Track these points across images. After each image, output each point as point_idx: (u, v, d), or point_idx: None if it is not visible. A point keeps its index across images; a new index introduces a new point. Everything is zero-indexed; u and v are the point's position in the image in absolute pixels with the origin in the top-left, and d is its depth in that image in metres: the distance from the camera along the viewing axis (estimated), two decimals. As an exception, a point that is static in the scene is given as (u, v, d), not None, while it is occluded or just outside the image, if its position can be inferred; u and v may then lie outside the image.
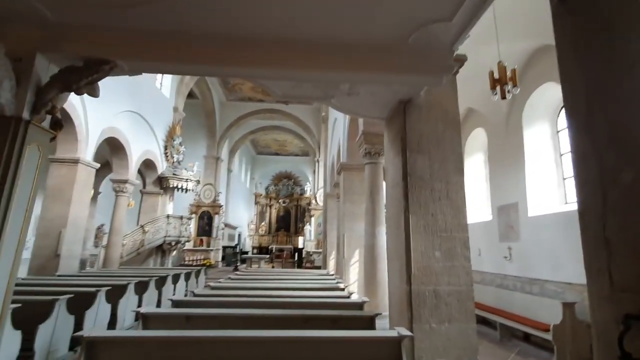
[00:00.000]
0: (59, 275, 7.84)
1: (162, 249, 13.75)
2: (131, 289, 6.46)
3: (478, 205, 8.74)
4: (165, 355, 2.92)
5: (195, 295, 5.41)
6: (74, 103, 8.84)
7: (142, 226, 13.07)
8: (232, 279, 8.26)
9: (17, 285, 6.15)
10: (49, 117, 3.06)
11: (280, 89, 3.93)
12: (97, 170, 14.15)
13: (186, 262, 16.52)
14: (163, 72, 3.40)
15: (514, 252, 6.96)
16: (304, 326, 3.76)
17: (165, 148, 14.33)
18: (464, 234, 3.87)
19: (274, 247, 24.87)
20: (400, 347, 2.92)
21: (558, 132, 6.73)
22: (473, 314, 3.71)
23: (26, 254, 9.37)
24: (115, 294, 6.04)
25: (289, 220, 29.37)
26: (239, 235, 28.58)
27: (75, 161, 8.96)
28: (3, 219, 2.61)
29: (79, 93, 3.04)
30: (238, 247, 25.94)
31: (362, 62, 3.06)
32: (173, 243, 13.75)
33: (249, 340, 2.86)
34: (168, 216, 13.67)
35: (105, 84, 9.61)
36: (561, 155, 6.62)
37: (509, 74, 3.20)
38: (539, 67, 6.63)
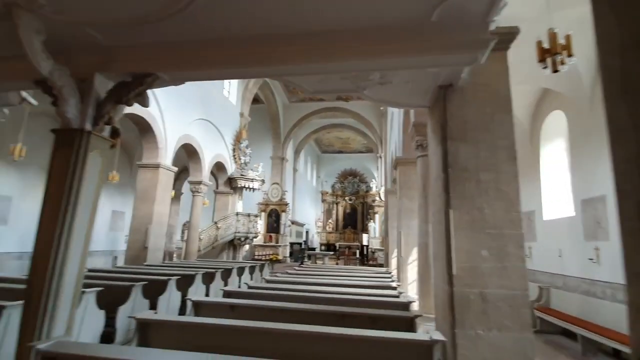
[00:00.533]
0: (146, 265, 9.05)
1: (233, 244, 14.90)
2: (199, 278, 7.13)
3: (558, 200, 7.62)
4: (205, 339, 3.16)
5: (250, 288, 5.74)
6: (154, 115, 10.07)
7: (215, 223, 14.34)
8: (290, 274, 8.56)
9: (108, 272, 7.29)
10: (108, 127, 3.53)
11: (310, 85, 3.93)
12: (179, 174, 16.00)
13: (256, 257, 17.63)
14: (200, 79, 3.64)
15: (603, 253, 5.89)
16: (339, 323, 3.72)
17: (234, 151, 15.46)
18: (517, 231, 3.41)
19: (341, 244, 25.09)
20: (431, 352, 2.70)
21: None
22: (529, 322, 3.25)
23: (124, 247, 11.00)
24: (185, 283, 6.72)
25: (356, 218, 29.36)
26: (307, 232, 29.45)
27: (157, 166, 10.21)
28: (72, 215, 3.09)
29: (129, 104, 3.45)
30: (306, 243, 26.76)
31: (384, 47, 2.89)
32: (242, 238, 14.78)
33: (273, 332, 2.93)
34: (237, 214, 14.74)
35: (180, 96, 10.78)
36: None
37: (562, 41, 2.66)
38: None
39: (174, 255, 15.71)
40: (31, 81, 3.21)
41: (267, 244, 19.12)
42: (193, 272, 7.09)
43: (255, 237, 15.96)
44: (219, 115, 14.27)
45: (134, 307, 5.23)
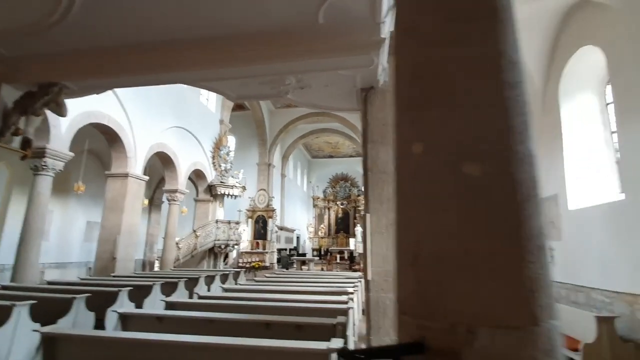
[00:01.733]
0: (113, 276, 8.93)
1: (213, 252, 14.77)
2: (157, 289, 7.02)
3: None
4: (111, 355, 3.07)
5: (200, 298, 5.66)
6: (122, 124, 10.03)
7: (194, 231, 14.22)
8: (257, 282, 8.46)
9: (62, 284, 7.18)
10: (18, 138, 3.47)
11: (232, 90, 3.90)
12: (158, 183, 15.94)
13: (240, 264, 17.48)
14: (109, 87, 3.59)
15: (557, 253, 5.82)
16: (265, 333, 3.64)
17: (213, 158, 15.40)
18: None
19: (333, 249, 24.96)
20: (327, 362, 2.62)
21: (607, 104, 5.46)
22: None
23: (92, 258, 10.88)
24: (142, 294, 6.62)
25: (348, 222, 29.21)
26: (298, 238, 29.30)
27: (125, 175, 10.14)
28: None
29: (37, 114, 3.41)
30: (297, 249, 26.60)
31: (281, 50, 2.85)
32: (222, 246, 14.67)
33: (171, 345, 2.85)
34: (217, 221, 14.64)
35: (150, 104, 10.70)
36: (612, 133, 5.35)
37: None
38: (575, 27, 5.49)
39: (155, 264, 15.57)
40: None
41: (254, 250, 18.98)
42: (151, 283, 6.99)
43: (236, 244, 15.84)
44: (197, 122, 14.24)
45: (75, 322, 5.13)
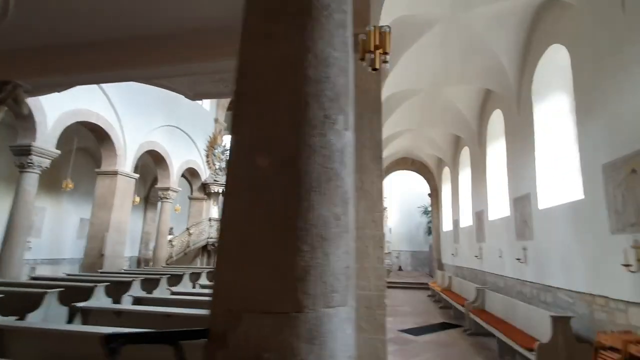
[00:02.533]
0: (101, 272, 9.08)
1: (207, 250, 14.90)
2: (136, 285, 7.12)
3: (498, 200, 7.52)
4: (58, 347, 3.14)
5: (173, 294, 5.74)
6: (111, 122, 10.17)
7: (187, 229, 14.37)
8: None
9: (41, 279, 7.32)
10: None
11: (188, 89, 3.96)
12: (154, 181, 16.11)
13: (235, 262, 17.60)
14: (64, 86, 3.66)
15: (530, 252, 5.78)
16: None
17: (207, 157, 15.52)
18: (377, 231, 3.36)
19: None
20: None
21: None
22: (384, 323, 3.18)
23: (80, 254, 11.06)
24: (119, 290, 6.72)
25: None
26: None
27: (115, 173, 10.29)
28: None
29: (-8, 112, 3.49)
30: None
31: (216, 50, 2.90)
32: (215, 244, 14.79)
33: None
34: (210, 219, 14.76)
35: (139, 102, 10.77)
36: (582, 132, 5.28)
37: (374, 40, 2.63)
38: (544, 25, 5.44)
39: (149, 262, 15.74)
40: None
41: (250, 249, 19.07)
42: (130, 279, 7.09)
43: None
44: (190, 121, 14.35)
45: (47, 316, 5.24)
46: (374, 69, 2.61)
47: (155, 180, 15.72)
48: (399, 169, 15.47)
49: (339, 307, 0.95)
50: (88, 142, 11.19)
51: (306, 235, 0.93)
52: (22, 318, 4.92)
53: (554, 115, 5.41)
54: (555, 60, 5.20)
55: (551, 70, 5.35)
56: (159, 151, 12.47)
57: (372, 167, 3.50)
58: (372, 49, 2.61)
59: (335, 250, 0.97)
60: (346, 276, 1.00)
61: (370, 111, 3.64)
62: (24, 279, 8.13)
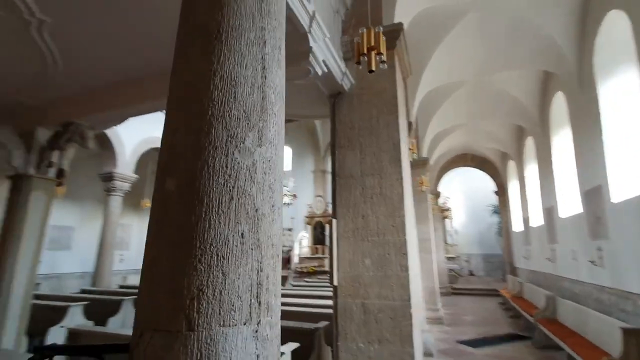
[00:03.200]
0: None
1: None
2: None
3: (569, 194, 6.58)
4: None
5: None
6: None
7: (250, 239, 15.25)
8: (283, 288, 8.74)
9: (128, 288, 8.34)
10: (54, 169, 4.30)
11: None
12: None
13: (298, 269, 18.12)
14: (114, 122, 4.23)
15: (605, 253, 4.94)
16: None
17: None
18: (399, 237, 3.19)
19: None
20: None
21: (656, 74, 4.49)
22: (410, 335, 2.99)
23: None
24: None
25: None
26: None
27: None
28: (18, 246, 3.85)
29: (62, 149, 4.19)
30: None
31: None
32: (276, 252, 15.42)
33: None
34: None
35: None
36: (665, 107, 4.38)
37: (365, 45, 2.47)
38: None
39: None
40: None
41: (313, 255, 19.52)
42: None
43: (290, 250, 16.47)
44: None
45: (125, 321, 6.00)
46: (371, 71, 2.52)
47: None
48: (457, 166, 14.43)
49: (240, 325, 0.95)
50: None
51: (203, 255, 0.96)
52: (104, 323, 5.72)
53: (624, 92, 4.57)
54: (616, 29, 4.41)
55: (613, 41, 4.55)
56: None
57: (391, 170, 3.35)
58: (365, 51, 2.53)
59: (236, 269, 0.98)
60: (253, 293, 1.00)
61: (386, 113, 3.51)
62: (114, 287, 9.42)
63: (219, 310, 0.93)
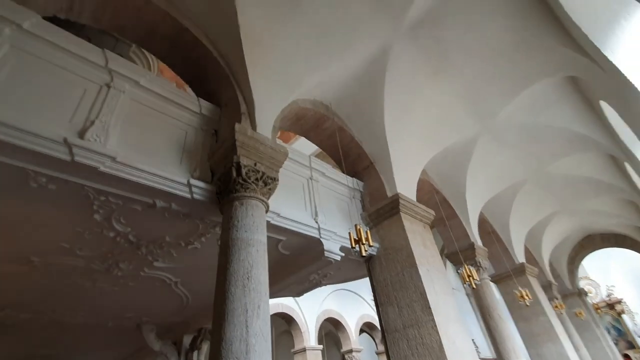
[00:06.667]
0: None
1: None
2: None
3: None
4: None
5: None
6: (292, 307, 12.82)
7: (383, 389, 14.07)
8: None
9: None
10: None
11: (291, 292, 5.47)
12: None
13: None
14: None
15: None
16: None
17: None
18: (448, 388, 3.31)
19: None
20: None
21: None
22: None
23: None
24: None
25: None
26: None
27: (303, 349, 12.20)
28: None
29: (198, 348, 5.77)
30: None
31: (280, 274, 4.40)
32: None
33: None
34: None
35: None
36: None
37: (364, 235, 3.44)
38: None
39: None
40: None
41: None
42: None
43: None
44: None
45: None
46: (362, 256, 3.42)
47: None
48: (590, 251, 12.01)
49: None
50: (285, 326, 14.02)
51: None
52: None
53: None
54: None
55: None
56: (334, 316, 14.17)
57: (425, 318, 3.74)
58: (353, 245, 3.48)
59: None
60: None
61: (407, 266, 4.15)
62: None
63: None
